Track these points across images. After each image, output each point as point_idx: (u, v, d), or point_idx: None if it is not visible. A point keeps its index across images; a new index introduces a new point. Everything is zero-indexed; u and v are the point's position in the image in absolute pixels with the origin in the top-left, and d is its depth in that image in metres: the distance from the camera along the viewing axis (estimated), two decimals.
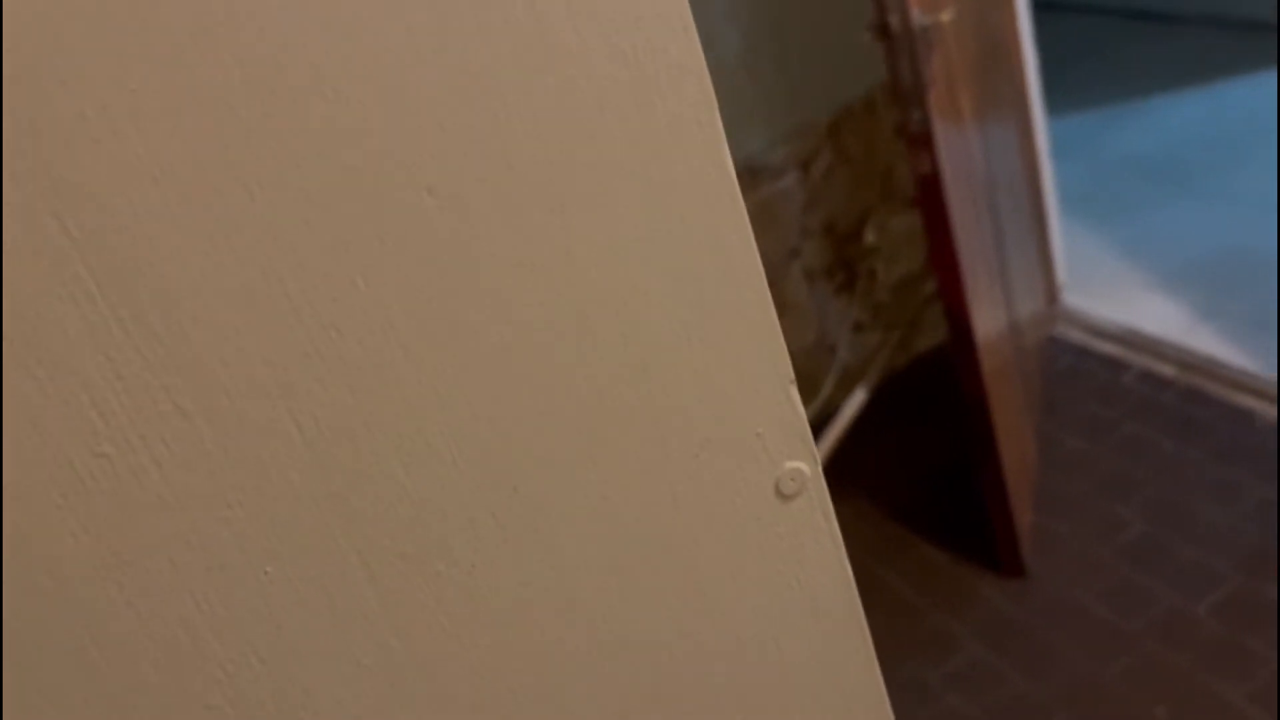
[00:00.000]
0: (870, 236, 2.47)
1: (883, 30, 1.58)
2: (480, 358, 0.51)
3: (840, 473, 2.33)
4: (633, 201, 0.51)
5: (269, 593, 0.50)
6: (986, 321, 1.83)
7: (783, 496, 0.59)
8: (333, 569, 0.51)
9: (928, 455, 2.32)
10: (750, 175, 2.20)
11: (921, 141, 1.62)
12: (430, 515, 0.52)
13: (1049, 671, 1.81)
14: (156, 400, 0.47)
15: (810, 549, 0.60)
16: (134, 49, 0.43)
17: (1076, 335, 2.49)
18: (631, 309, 0.53)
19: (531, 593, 0.56)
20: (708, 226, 0.53)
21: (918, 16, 1.55)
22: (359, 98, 0.46)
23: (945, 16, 1.62)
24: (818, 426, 2.46)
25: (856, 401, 2.41)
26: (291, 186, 0.46)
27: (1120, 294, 2.53)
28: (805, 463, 0.59)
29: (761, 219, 2.26)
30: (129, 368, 0.46)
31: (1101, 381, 2.35)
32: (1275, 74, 3.19)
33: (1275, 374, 2.19)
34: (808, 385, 2.48)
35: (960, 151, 1.76)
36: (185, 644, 0.50)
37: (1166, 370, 2.31)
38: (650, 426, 0.56)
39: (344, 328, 0.48)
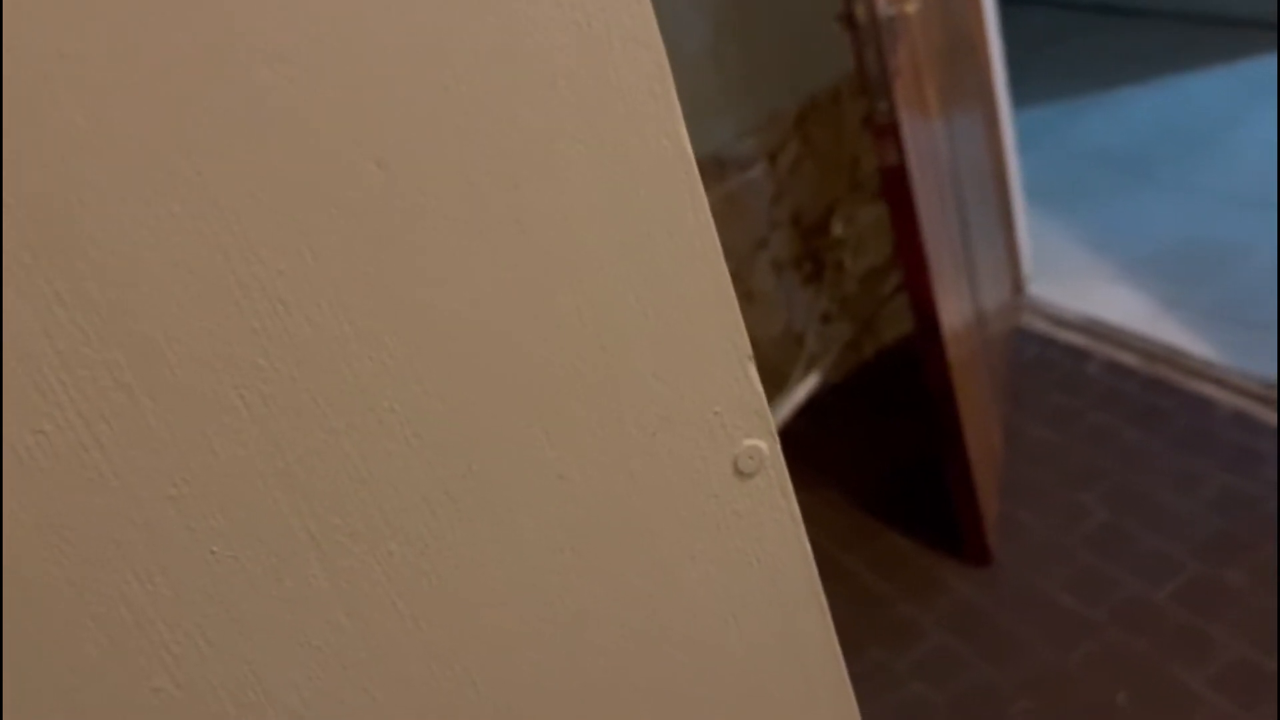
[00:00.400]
0: (837, 228, 2.47)
1: (849, 20, 1.58)
2: (432, 333, 0.50)
3: (807, 462, 2.33)
4: (586, 173, 0.50)
5: (216, 572, 0.49)
6: (952, 312, 1.84)
7: (741, 474, 0.59)
8: (281, 548, 0.50)
9: (895, 445, 2.33)
10: (718, 166, 2.20)
11: (888, 132, 1.63)
12: (382, 493, 0.52)
13: (1013, 658, 1.83)
14: (97, 376, 0.46)
15: (769, 527, 0.60)
16: (73, 15, 0.42)
17: (1042, 326, 2.51)
18: (586, 284, 0.52)
19: (487, 572, 0.56)
20: (662, 200, 0.52)
21: (883, 7, 1.56)
22: (306, 68, 0.45)
23: (910, 7, 1.62)
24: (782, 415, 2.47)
25: (810, 384, 2.41)
26: (236, 158, 0.45)
27: (1084, 285, 2.56)
28: (763, 440, 0.59)
29: (729, 210, 2.26)
30: (67, 342, 0.45)
31: (1066, 371, 2.37)
32: (1234, 67, 3.24)
33: (1234, 365, 2.22)
34: (776, 376, 2.49)
35: (926, 142, 1.77)
36: (129, 624, 0.49)
37: (1130, 360, 2.33)
38: (606, 404, 0.55)
39: (291, 302, 0.47)
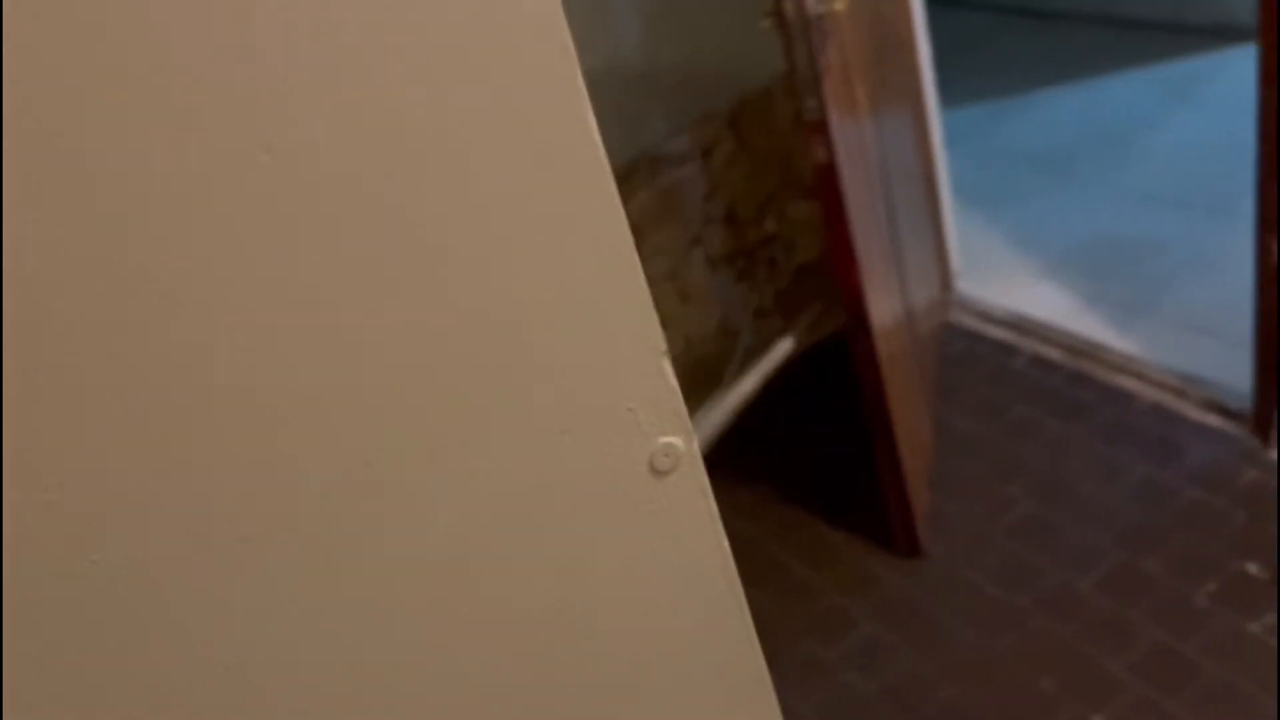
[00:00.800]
0: (770, 224, 2.49)
1: (779, 18, 1.59)
2: (328, 325, 0.49)
3: (740, 457, 2.34)
4: (487, 160, 0.49)
5: (97, 582, 0.47)
6: (882, 308, 1.86)
7: (657, 473, 0.58)
8: (170, 552, 0.48)
9: (827, 439, 2.35)
10: (651, 164, 2.19)
11: (818, 130, 1.64)
12: (279, 491, 0.50)
13: (942, 648, 1.86)
14: None
15: (686, 525, 0.60)
16: None
17: (969, 321, 2.56)
18: (490, 275, 0.51)
19: (393, 572, 0.54)
20: (569, 188, 0.51)
21: (812, 5, 1.57)
22: (188, 47, 0.43)
23: (839, 6, 1.64)
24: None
25: (779, 354, 2.37)
26: (111, 137, 0.43)
27: (1010, 281, 2.61)
28: (679, 438, 0.58)
29: (664, 207, 2.26)
30: None
31: (993, 366, 2.42)
32: (1150, 70, 3.34)
33: (1152, 359, 2.28)
34: (711, 371, 2.49)
35: (856, 140, 1.78)
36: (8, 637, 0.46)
37: (1053, 354, 2.39)
38: (515, 400, 0.54)
39: (176, 292, 0.45)
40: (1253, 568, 1.84)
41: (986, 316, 2.54)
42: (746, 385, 2.49)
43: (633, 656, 0.61)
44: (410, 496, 0.54)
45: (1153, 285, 2.50)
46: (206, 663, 0.51)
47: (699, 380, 2.44)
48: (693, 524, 0.60)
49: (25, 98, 0.41)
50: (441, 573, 0.56)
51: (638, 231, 0.54)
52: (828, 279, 2.55)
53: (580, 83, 0.49)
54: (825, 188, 1.68)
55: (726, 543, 0.61)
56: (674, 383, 0.57)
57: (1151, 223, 2.71)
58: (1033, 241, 2.75)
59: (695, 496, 0.59)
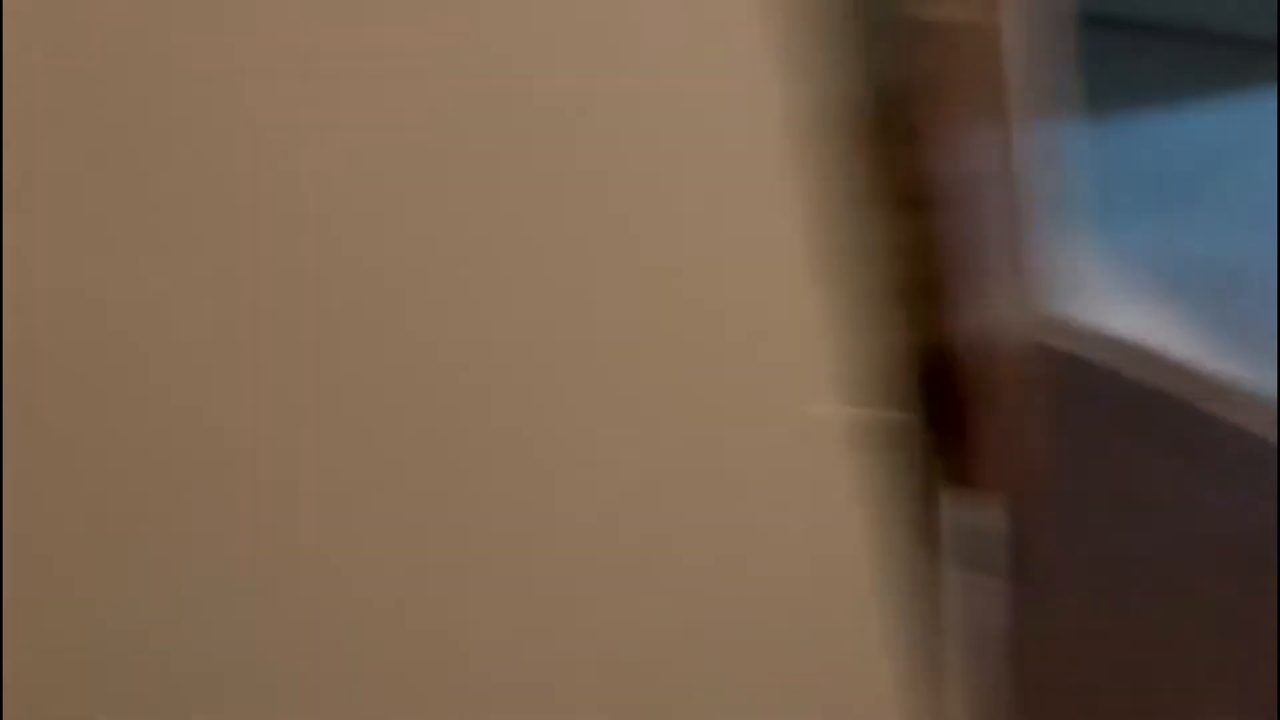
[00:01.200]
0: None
1: (907, 24, 1.57)
2: (503, 278, 0.48)
3: None
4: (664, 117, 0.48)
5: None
6: (990, 325, 1.83)
7: (817, 438, 0.57)
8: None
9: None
10: None
11: (935, 142, 1.62)
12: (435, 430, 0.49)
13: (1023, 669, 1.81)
14: None
15: (844, 495, 0.59)
16: None
17: (1073, 343, 2.50)
18: (657, 226, 0.50)
19: (547, 531, 0.54)
20: (755, 142, 0.50)
21: (940, 13, 1.55)
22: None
23: (969, 15, 1.62)
24: None
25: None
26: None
27: (1110, 303, 2.54)
28: (844, 403, 0.57)
29: None
30: None
31: (1093, 390, 2.36)
32: (1270, 90, 3.22)
33: (1264, 390, 2.20)
34: None
35: (974, 154, 1.76)
36: None
37: (1159, 381, 2.31)
38: (685, 358, 0.53)
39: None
40: None
41: (1093, 339, 2.48)
42: None
43: (796, 623, 0.60)
44: (570, 455, 0.54)
45: (1266, 312, 2.41)
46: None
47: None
48: (851, 496, 0.59)
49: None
50: (590, 533, 0.56)
51: None
52: (937, 294, 2.51)
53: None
54: (944, 201, 1.66)
55: (899, 520, 0.60)
56: (841, 346, 0.56)
57: (1262, 247, 2.61)
58: (1136, 263, 2.67)
59: (859, 467, 0.58)
